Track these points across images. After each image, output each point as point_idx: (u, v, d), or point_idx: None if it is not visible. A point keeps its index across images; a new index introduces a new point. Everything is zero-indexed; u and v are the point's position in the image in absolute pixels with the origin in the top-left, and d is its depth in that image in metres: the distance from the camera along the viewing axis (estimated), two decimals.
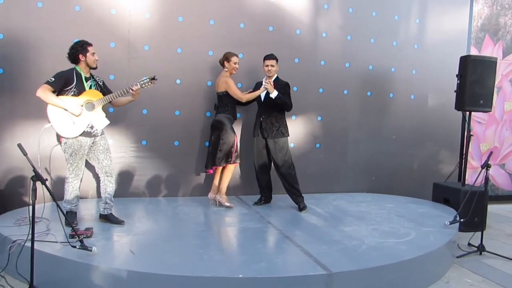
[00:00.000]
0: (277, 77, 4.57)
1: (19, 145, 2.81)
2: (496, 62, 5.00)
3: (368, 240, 3.55)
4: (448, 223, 4.04)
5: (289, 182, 4.54)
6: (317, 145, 5.55)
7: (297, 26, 5.35)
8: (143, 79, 3.74)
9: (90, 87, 3.64)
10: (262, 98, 4.57)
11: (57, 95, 3.51)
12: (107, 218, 3.78)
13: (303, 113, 5.39)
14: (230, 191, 5.15)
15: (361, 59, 5.62)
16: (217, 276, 2.73)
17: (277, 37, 5.22)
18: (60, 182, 4.10)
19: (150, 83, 3.75)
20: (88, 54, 3.59)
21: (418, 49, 5.86)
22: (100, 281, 2.81)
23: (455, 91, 5.06)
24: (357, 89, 5.65)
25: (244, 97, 4.51)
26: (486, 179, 4.01)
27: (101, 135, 3.73)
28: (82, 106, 3.56)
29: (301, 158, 5.23)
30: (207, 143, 5.02)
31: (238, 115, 4.79)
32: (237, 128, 4.87)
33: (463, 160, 5.31)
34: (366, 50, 5.63)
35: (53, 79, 3.47)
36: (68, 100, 3.52)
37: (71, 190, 3.66)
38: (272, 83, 4.39)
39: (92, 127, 3.63)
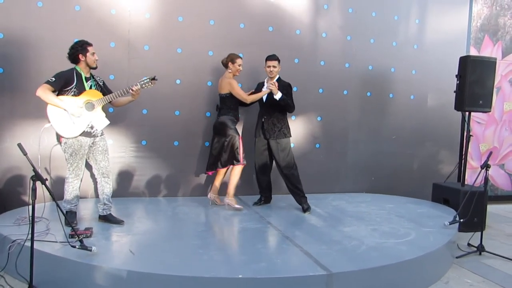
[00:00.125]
0: (279, 77, 4.56)
1: (19, 145, 2.81)
2: (495, 62, 5.01)
3: (368, 240, 3.55)
4: (448, 223, 4.05)
5: (292, 183, 4.53)
6: (317, 145, 5.55)
7: (297, 26, 5.35)
8: (143, 79, 3.74)
9: (90, 87, 3.63)
10: (264, 98, 4.56)
11: (57, 95, 3.51)
12: (106, 219, 3.77)
13: (303, 113, 5.39)
14: None
15: (361, 59, 5.63)
16: (217, 276, 2.73)
17: (277, 37, 5.22)
18: (60, 182, 4.10)
19: (150, 83, 3.74)
20: (88, 54, 3.58)
21: (418, 49, 5.87)
22: (99, 281, 2.81)
23: (454, 91, 5.06)
24: (357, 89, 5.66)
25: (249, 98, 4.48)
26: (486, 179, 4.01)
27: (101, 135, 3.73)
28: (82, 106, 3.56)
29: (300, 158, 5.22)
30: (207, 143, 5.03)
31: None
32: (238, 129, 4.86)
33: (463, 160, 5.31)
34: (366, 50, 5.64)
35: (53, 79, 3.47)
36: (68, 100, 3.51)
37: (71, 190, 3.66)
38: (276, 85, 4.37)
39: (92, 127, 3.62)
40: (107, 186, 3.77)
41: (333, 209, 4.72)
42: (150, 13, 4.82)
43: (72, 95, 3.54)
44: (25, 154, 2.78)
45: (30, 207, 2.71)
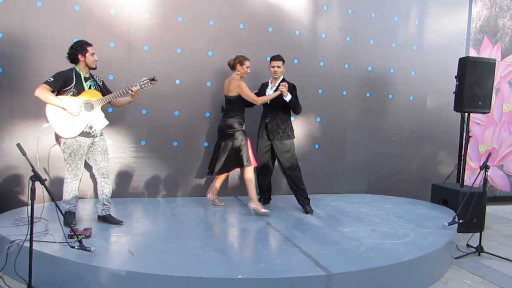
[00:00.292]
0: (283, 78, 4.54)
1: (18, 145, 2.81)
2: (494, 63, 5.02)
3: (367, 241, 3.55)
4: (447, 224, 4.05)
5: (296, 184, 4.51)
6: (316, 146, 5.55)
7: (296, 27, 5.35)
8: (142, 79, 3.73)
9: (90, 87, 3.63)
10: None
11: (56, 95, 3.50)
12: (105, 219, 3.77)
13: (302, 114, 5.34)
14: (229, 191, 5.18)
15: (360, 60, 5.63)
16: (216, 276, 2.73)
17: (276, 38, 5.22)
18: (59, 182, 4.09)
19: (149, 84, 3.74)
20: (87, 54, 3.57)
21: (417, 50, 5.87)
22: (99, 282, 2.80)
23: (454, 92, 5.07)
24: (356, 90, 5.66)
25: (259, 100, 4.42)
26: (485, 180, 4.02)
27: (100, 136, 3.72)
28: (81, 106, 3.55)
29: (300, 159, 5.19)
30: (206, 144, 5.02)
31: None
32: None
33: (462, 161, 5.31)
34: (365, 51, 5.64)
35: (52, 79, 3.46)
36: (67, 100, 3.51)
37: (70, 191, 3.65)
38: (287, 86, 4.32)
39: (91, 128, 3.62)
40: (106, 187, 3.76)
41: (332, 209, 4.73)
42: (150, 13, 4.82)
43: (71, 95, 3.53)
44: (24, 154, 2.78)
45: (29, 207, 2.71)
